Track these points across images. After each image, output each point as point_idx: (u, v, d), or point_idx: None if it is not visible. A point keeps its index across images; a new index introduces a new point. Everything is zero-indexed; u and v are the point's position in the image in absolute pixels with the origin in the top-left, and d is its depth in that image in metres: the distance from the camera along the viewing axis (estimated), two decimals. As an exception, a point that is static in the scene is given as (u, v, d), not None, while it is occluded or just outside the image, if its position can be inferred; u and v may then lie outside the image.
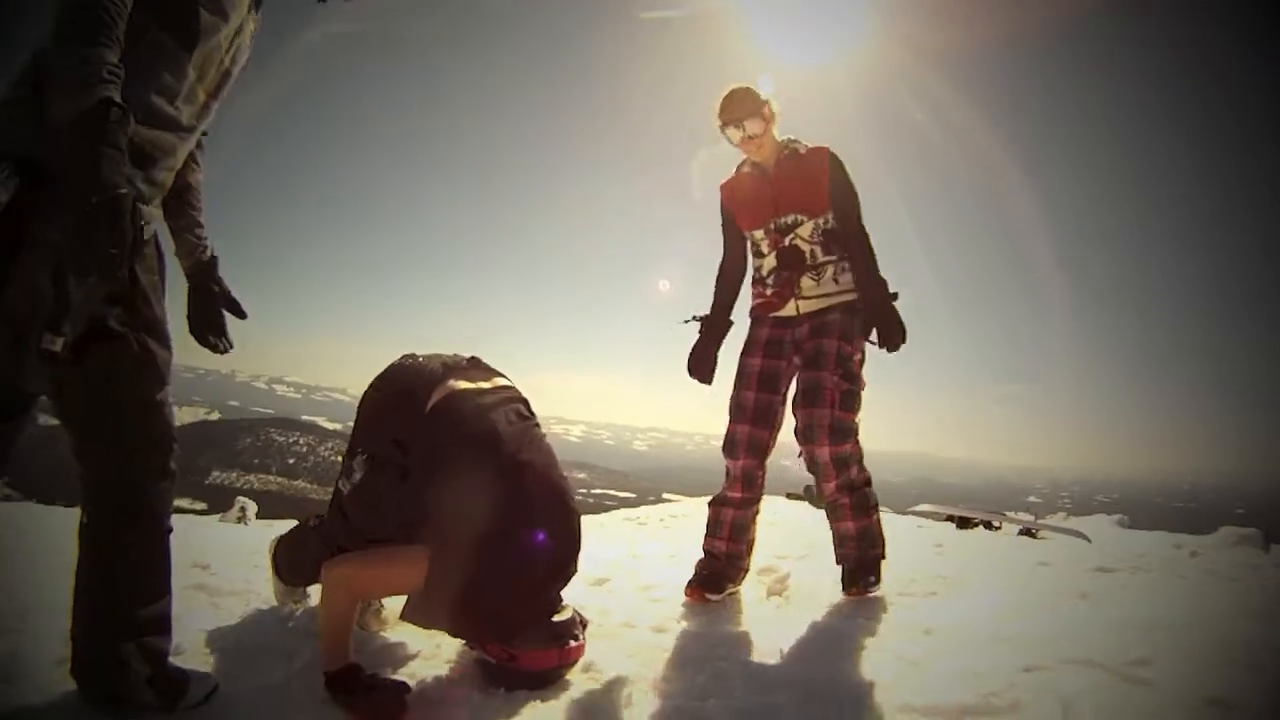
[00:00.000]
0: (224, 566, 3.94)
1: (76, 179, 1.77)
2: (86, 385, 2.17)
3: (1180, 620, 3.09)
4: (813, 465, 3.82)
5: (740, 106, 3.88)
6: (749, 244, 4.12)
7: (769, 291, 3.99)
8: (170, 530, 2.44)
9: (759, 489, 4.05)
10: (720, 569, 3.93)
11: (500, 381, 3.08)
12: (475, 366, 3.10)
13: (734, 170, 4.17)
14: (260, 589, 3.65)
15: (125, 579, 2.33)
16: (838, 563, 3.98)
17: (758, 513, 4.13)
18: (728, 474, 4.00)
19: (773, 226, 3.95)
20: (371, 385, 3.06)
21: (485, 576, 2.57)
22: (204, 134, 2.47)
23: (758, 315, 4.09)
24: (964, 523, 7.88)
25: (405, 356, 3.11)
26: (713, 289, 4.24)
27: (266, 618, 3.33)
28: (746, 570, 4.08)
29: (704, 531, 4.11)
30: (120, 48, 1.91)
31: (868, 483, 4.01)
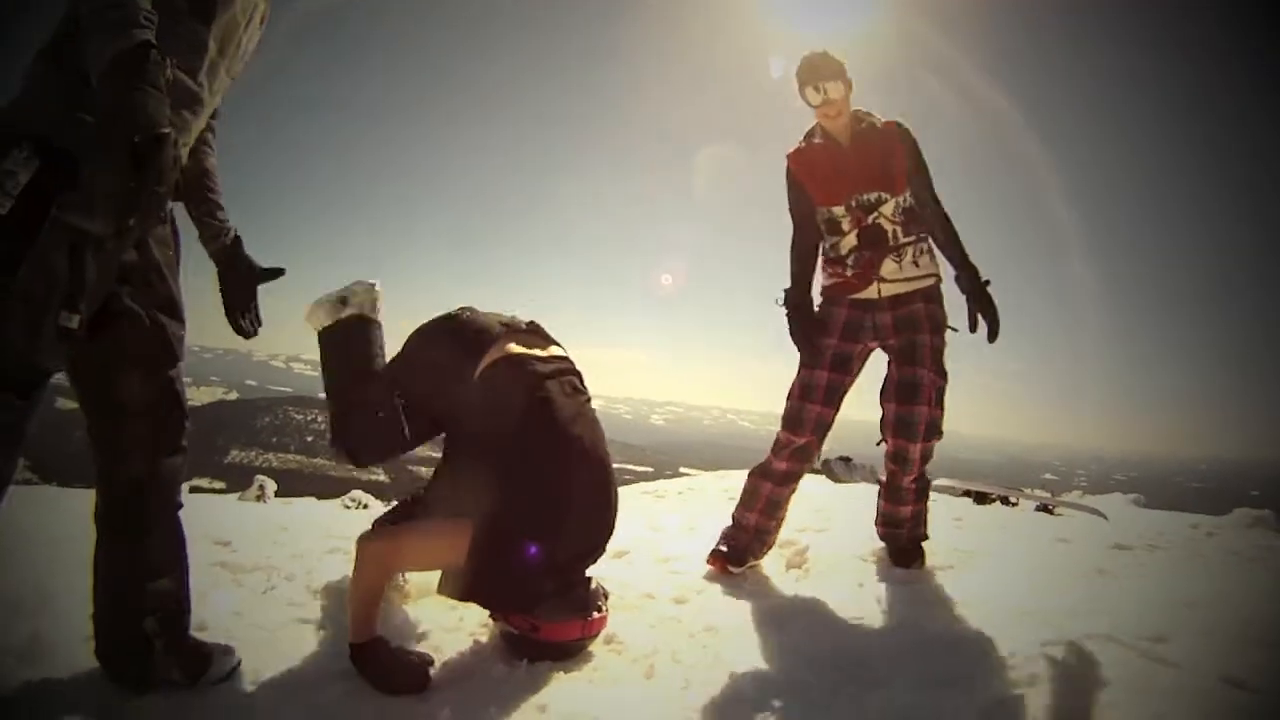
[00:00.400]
0: (245, 544, 3.96)
1: (119, 119, 1.79)
2: (100, 362, 2.20)
3: (1199, 598, 3.09)
4: (900, 459, 3.81)
5: (824, 66, 3.70)
6: (820, 219, 3.89)
7: (848, 272, 3.83)
8: (180, 506, 2.47)
9: (806, 467, 4.01)
10: (745, 542, 3.90)
11: (556, 350, 3.08)
12: (533, 332, 3.09)
13: (802, 140, 3.95)
14: (281, 565, 3.68)
15: (140, 554, 2.36)
16: (884, 539, 4.03)
17: (794, 490, 4.06)
18: (779, 446, 3.91)
19: (854, 204, 3.77)
20: (423, 329, 3.07)
21: (522, 548, 2.59)
22: (214, 116, 2.48)
23: (833, 295, 3.93)
24: (981, 498, 7.87)
25: (463, 309, 3.09)
26: (789, 268, 3.98)
27: (288, 593, 3.35)
28: (771, 546, 4.04)
29: (737, 500, 4.07)
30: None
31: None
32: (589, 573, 2.88)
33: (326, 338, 3.10)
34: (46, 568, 3.20)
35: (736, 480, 8.09)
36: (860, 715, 2.28)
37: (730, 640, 2.84)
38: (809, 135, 3.92)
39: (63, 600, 2.80)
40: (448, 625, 2.99)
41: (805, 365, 3.87)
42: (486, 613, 2.91)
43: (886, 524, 4.01)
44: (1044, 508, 7.48)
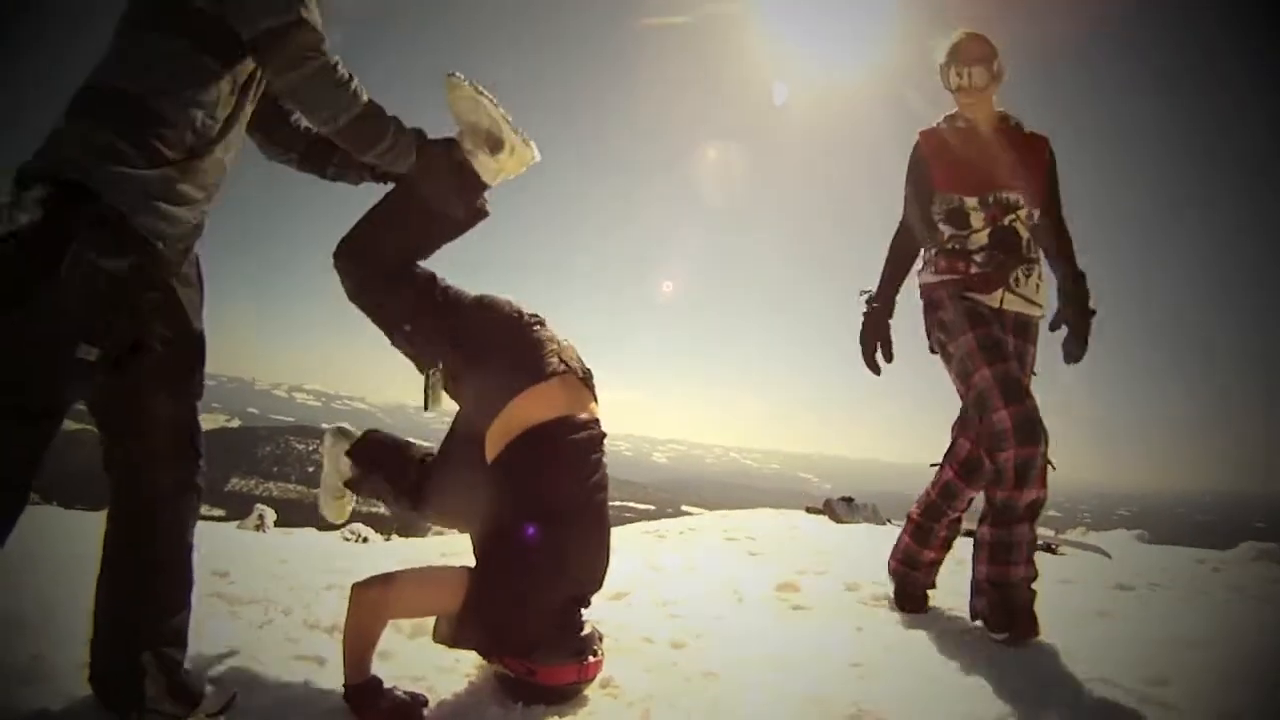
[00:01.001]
0: (243, 575, 3.96)
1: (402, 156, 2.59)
2: (122, 396, 2.23)
3: (1201, 638, 3.10)
4: (1006, 509, 3.35)
5: (971, 49, 3.50)
6: (945, 210, 3.58)
7: (974, 269, 3.47)
8: (193, 547, 2.49)
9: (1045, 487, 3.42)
10: (921, 585, 3.82)
11: (593, 409, 2.98)
12: (584, 383, 2.99)
13: (940, 121, 3.70)
14: (279, 599, 3.68)
15: (147, 591, 2.37)
16: (977, 608, 3.45)
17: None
18: (1024, 465, 3.26)
19: (991, 199, 3.47)
20: (493, 316, 2.99)
21: (517, 596, 2.60)
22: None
23: (950, 290, 3.51)
24: None
25: (534, 321, 3.03)
26: (884, 263, 3.77)
27: (285, 628, 3.34)
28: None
29: (910, 538, 3.89)
30: None
31: None
32: (585, 616, 2.86)
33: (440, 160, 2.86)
34: (50, 589, 3.21)
35: (738, 520, 8.08)
36: None
37: (729, 685, 2.81)
38: (949, 119, 3.66)
39: (65, 623, 2.80)
40: (443, 666, 2.96)
41: (983, 362, 3.33)
42: (481, 657, 2.89)
43: (993, 584, 3.36)
44: (1047, 547, 7.47)
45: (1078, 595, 4.28)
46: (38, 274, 1.95)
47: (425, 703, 2.57)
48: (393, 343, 3.06)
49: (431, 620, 2.90)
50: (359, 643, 2.56)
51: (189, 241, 2.33)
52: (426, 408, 2.95)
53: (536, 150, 2.93)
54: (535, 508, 2.67)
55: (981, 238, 3.46)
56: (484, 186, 2.94)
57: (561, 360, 2.90)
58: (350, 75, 2.38)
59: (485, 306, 3.00)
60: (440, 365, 2.95)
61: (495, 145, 2.84)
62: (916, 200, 3.66)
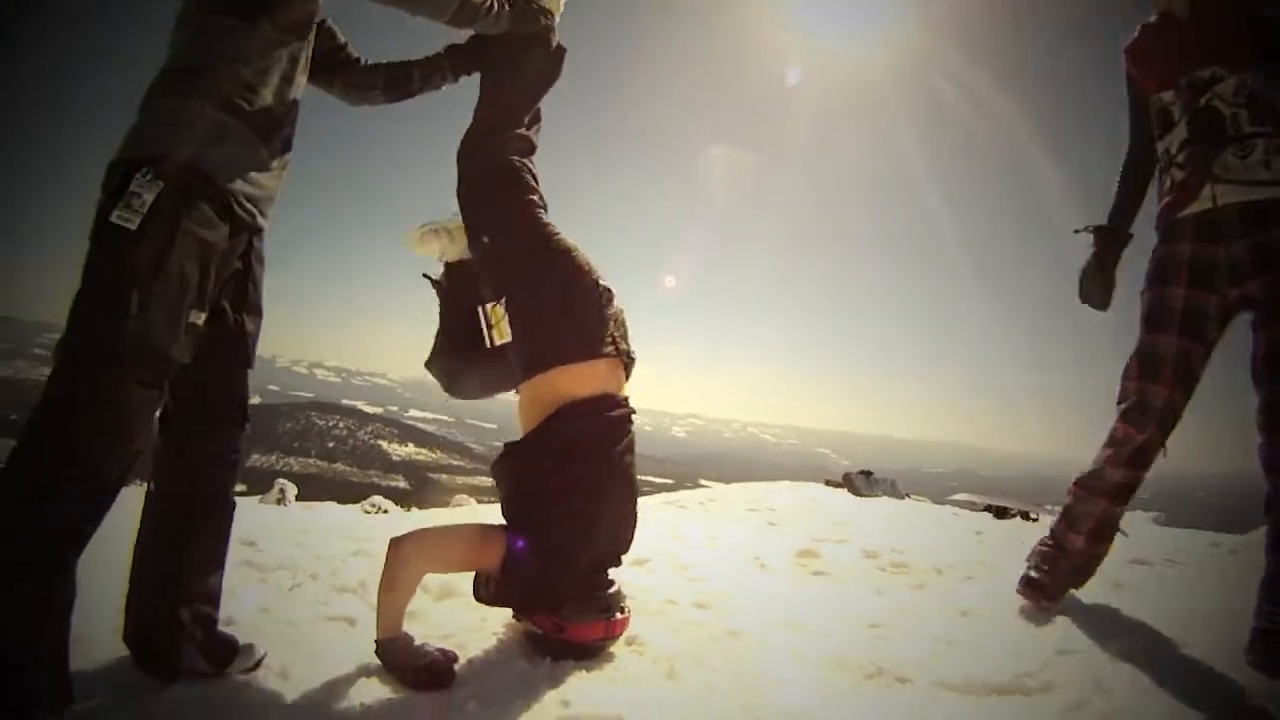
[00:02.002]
0: (269, 543, 4.02)
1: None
2: (192, 359, 2.29)
3: (1216, 610, 3.08)
4: (1090, 476, 3.13)
5: None
6: (1154, 116, 3.16)
7: (1179, 176, 2.99)
8: (234, 506, 2.56)
9: (1144, 476, 3.11)
10: (1066, 571, 3.24)
11: (624, 388, 3.02)
12: (625, 366, 3.02)
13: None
14: (305, 565, 3.75)
15: (187, 549, 2.43)
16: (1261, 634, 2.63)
17: (1125, 508, 3.23)
18: (1116, 444, 3.08)
19: (1185, 83, 3.00)
20: (564, 274, 2.96)
21: (553, 555, 2.64)
22: None
23: (1169, 220, 3.05)
24: (1001, 512, 7.88)
25: (602, 289, 3.01)
26: (1114, 189, 3.38)
27: (313, 591, 3.41)
28: (1090, 576, 3.29)
29: (1060, 519, 3.30)
30: None
31: None
32: (612, 576, 2.91)
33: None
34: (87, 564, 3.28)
35: (759, 493, 8.14)
36: (880, 716, 2.30)
37: (751, 644, 2.86)
38: (1149, 19, 3.21)
39: (91, 587, 2.87)
40: (471, 625, 3.02)
41: (1149, 328, 3.01)
42: (509, 612, 2.95)
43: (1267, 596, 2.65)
44: None
45: None
46: (161, 251, 2.11)
47: (455, 659, 2.61)
48: (472, 254, 3.15)
49: (457, 581, 2.97)
50: (394, 596, 2.60)
51: (271, 209, 2.48)
52: (492, 343, 2.98)
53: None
54: (571, 476, 2.71)
55: (1181, 132, 3.01)
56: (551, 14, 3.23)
57: (614, 342, 2.94)
58: None
59: (570, 261, 2.98)
60: (500, 301, 2.96)
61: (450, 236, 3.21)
62: (1133, 121, 3.29)
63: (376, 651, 2.58)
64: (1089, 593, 3.49)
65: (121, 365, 2.05)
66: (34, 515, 1.97)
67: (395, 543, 2.64)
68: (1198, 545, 5.65)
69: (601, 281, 3.00)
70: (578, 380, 2.80)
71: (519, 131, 3.20)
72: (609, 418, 2.81)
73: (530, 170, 3.15)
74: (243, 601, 2.95)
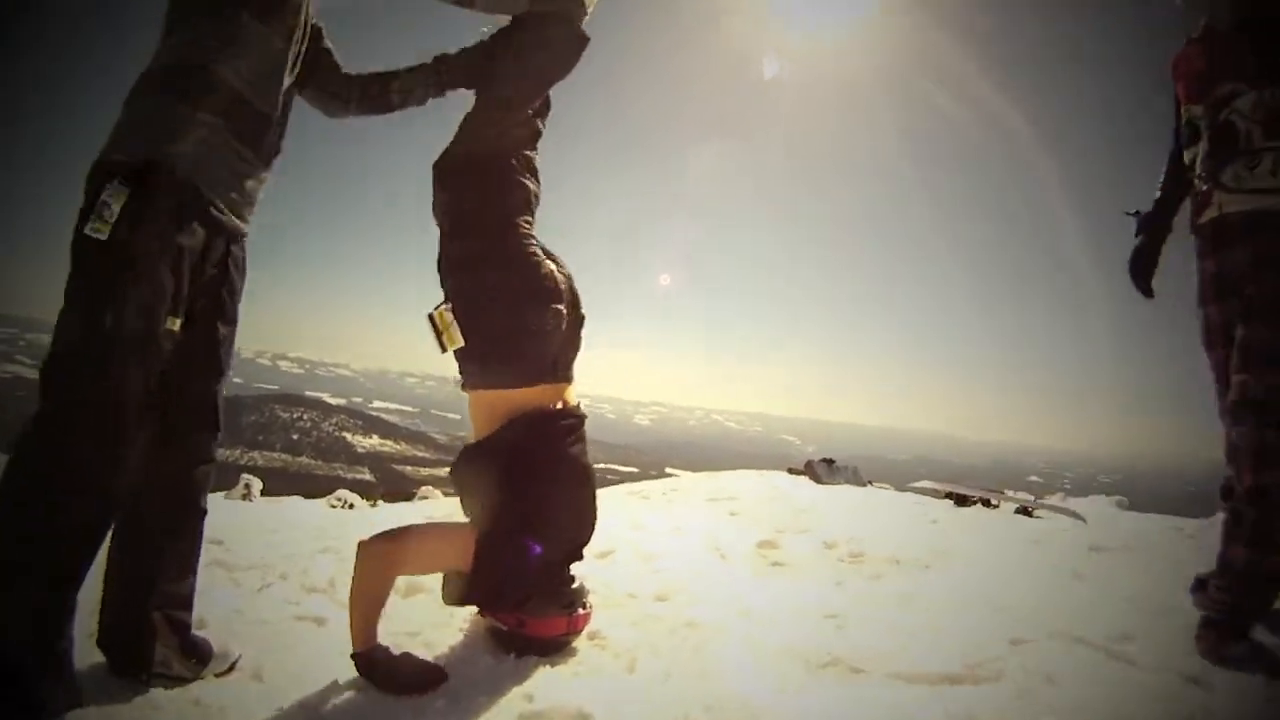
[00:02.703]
0: (238, 543, 4.05)
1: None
2: (167, 366, 2.32)
3: (1168, 599, 3.19)
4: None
5: None
6: (1187, 128, 3.22)
7: (1199, 186, 3.10)
8: (205, 512, 2.60)
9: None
10: (1238, 595, 2.83)
11: (574, 398, 3.04)
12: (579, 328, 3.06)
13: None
14: (275, 564, 3.79)
15: (160, 555, 2.48)
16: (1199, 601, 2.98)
17: None
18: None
19: (1210, 98, 3.06)
20: (535, 281, 2.87)
21: (513, 551, 2.68)
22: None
23: (1193, 228, 3.17)
24: (961, 500, 7.97)
25: (577, 317, 3.04)
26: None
27: (284, 591, 3.46)
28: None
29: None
30: None
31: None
32: (574, 572, 2.97)
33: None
34: None
35: (722, 482, 8.18)
36: (834, 705, 2.37)
37: (710, 635, 2.93)
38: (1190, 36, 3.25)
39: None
40: (438, 621, 3.08)
41: (1205, 348, 3.11)
42: (474, 609, 3.01)
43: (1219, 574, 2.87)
44: (1023, 510, 7.59)
45: (1052, 556, 4.42)
46: (131, 260, 2.15)
47: (443, 676, 2.61)
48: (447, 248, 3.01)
49: (423, 578, 3.02)
50: (367, 601, 2.61)
51: (251, 212, 2.53)
52: (443, 349, 2.89)
53: None
54: (526, 478, 2.74)
55: (1205, 145, 3.07)
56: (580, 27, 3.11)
57: (569, 364, 3.00)
58: None
59: (535, 277, 2.88)
60: (449, 305, 2.88)
61: None
62: (1174, 131, 3.36)
63: (355, 665, 2.57)
64: (1047, 582, 3.63)
65: (106, 374, 2.10)
66: (39, 523, 2.05)
67: (364, 545, 2.66)
68: (1158, 529, 5.75)
69: (564, 299, 2.95)
70: (530, 396, 2.83)
71: (522, 118, 3.07)
72: (561, 425, 2.86)
73: (526, 165, 3.05)
74: (214, 602, 2.98)
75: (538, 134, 3.13)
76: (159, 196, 2.19)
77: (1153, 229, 3.45)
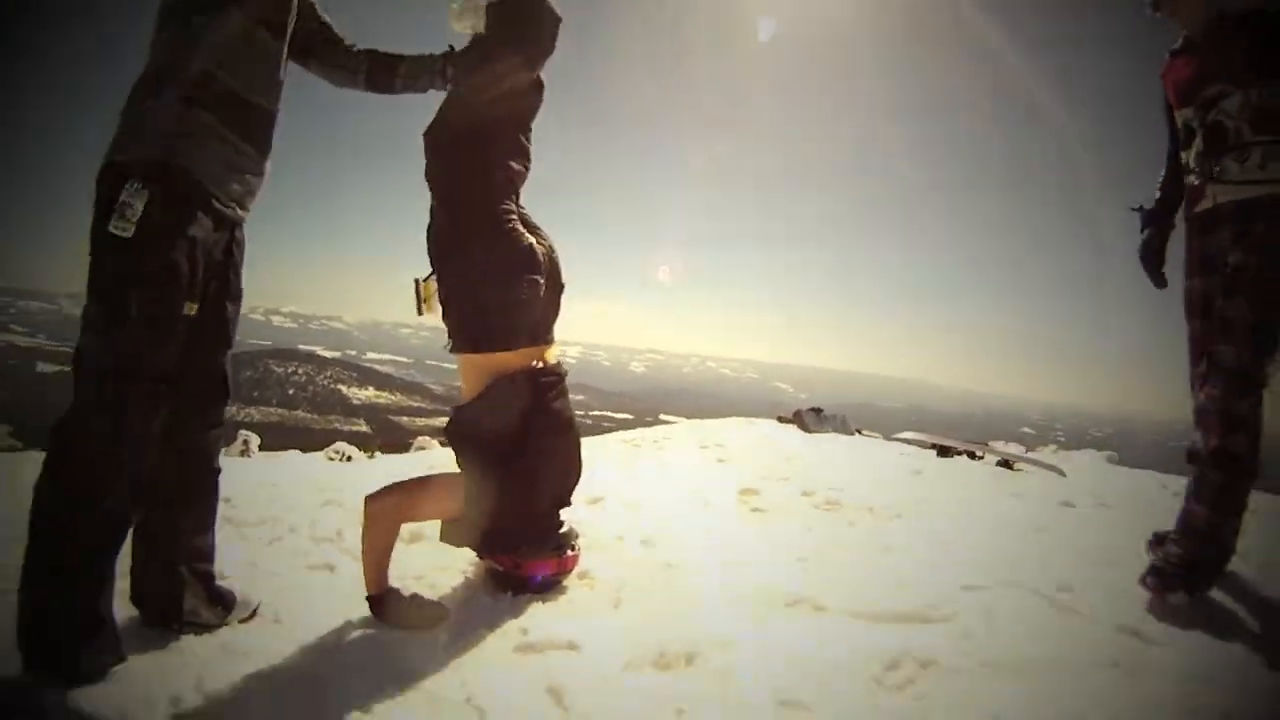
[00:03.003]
0: (243, 500, 4.26)
1: None
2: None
3: (1122, 554, 3.36)
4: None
5: None
6: (1182, 131, 3.37)
7: (1193, 181, 3.26)
8: (219, 471, 2.82)
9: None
10: (1194, 553, 3.02)
11: (558, 354, 3.27)
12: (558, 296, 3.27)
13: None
14: (282, 517, 4.04)
15: (182, 513, 2.71)
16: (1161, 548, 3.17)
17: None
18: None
19: (1198, 101, 3.21)
20: (508, 255, 3.02)
21: (506, 502, 2.90)
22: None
23: (1188, 219, 3.34)
24: (945, 451, 8.08)
25: (556, 285, 3.20)
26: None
27: (293, 544, 3.71)
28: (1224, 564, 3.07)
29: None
30: None
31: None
32: (564, 517, 3.20)
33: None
34: None
35: (711, 429, 8.35)
36: (796, 638, 2.58)
37: (688, 576, 3.17)
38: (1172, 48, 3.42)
39: None
40: (440, 565, 3.32)
41: (1186, 316, 3.27)
42: (473, 553, 3.24)
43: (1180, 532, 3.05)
44: (1005, 463, 7.69)
45: (1021, 509, 4.60)
46: (157, 255, 2.33)
47: (445, 613, 2.86)
48: (435, 223, 3.13)
49: (424, 525, 3.26)
50: (378, 549, 2.86)
51: (253, 200, 2.70)
52: (420, 313, 3.11)
53: None
54: (514, 433, 2.96)
55: (1198, 144, 3.23)
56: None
57: (549, 328, 3.19)
58: None
59: (516, 248, 3.03)
60: (432, 276, 3.10)
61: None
62: (1169, 135, 3.51)
63: (370, 607, 2.83)
64: (1010, 534, 3.82)
65: (139, 368, 2.31)
66: (78, 506, 2.28)
67: (370, 500, 2.89)
68: (1143, 485, 5.85)
69: (556, 272, 3.18)
70: (512, 359, 3.01)
71: (511, 94, 3.18)
72: (543, 383, 3.04)
73: (514, 142, 3.18)
74: (228, 556, 3.13)
75: (529, 111, 3.25)
76: (174, 194, 2.36)
77: (1158, 225, 3.59)
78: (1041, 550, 3.55)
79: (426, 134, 3.12)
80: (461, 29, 3.21)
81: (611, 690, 2.26)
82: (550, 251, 3.19)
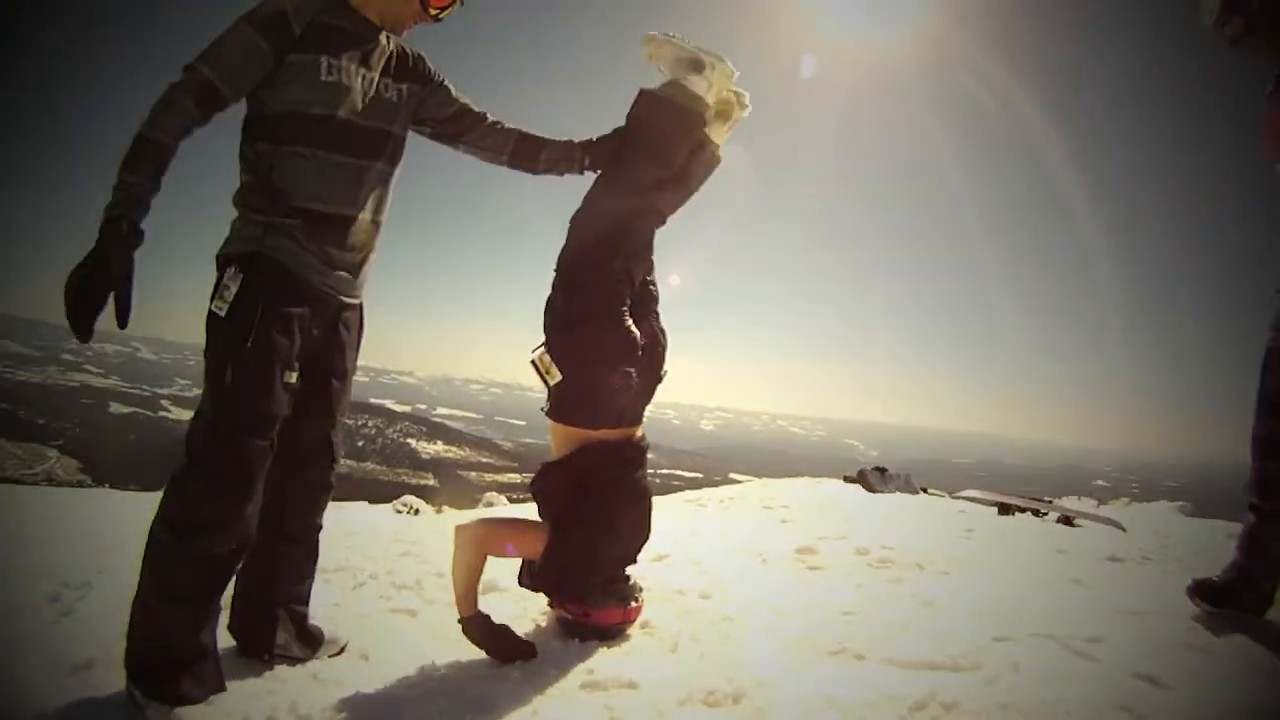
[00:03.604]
0: (324, 547, 4.53)
1: None
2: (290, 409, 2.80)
3: (1152, 607, 3.45)
4: None
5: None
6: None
7: None
8: (320, 527, 3.15)
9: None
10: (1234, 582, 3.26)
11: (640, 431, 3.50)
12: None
13: None
14: (362, 565, 4.36)
15: (285, 558, 3.05)
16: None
17: None
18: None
19: None
20: (602, 333, 3.23)
21: (579, 554, 3.17)
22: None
23: None
24: (1006, 509, 8.05)
25: (659, 374, 3.46)
26: None
27: (375, 589, 4.01)
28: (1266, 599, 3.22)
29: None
30: None
31: None
32: (630, 572, 3.45)
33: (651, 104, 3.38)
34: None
35: (778, 489, 8.47)
36: (833, 683, 2.77)
37: (741, 626, 3.39)
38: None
39: None
40: (513, 614, 3.56)
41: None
42: (545, 604, 3.52)
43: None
44: (1065, 520, 7.67)
45: (1064, 564, 4.69)
46: (249, 328, 2.60)
47: (534, 649, 3.13)
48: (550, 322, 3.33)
49: (497, 578, 3.61)
50: (466, 574, 3.12)
51: (360, 280, 2.96)
52: (547, 385, 3.27)
53: (731, 64, 3.36)
54: (595, 495, 3.21)
55: None
56: (700, 116, 3.37)
57: (640, 412, 3.43)
58: None
59: (625, 348, 3.23)
60: (543, 348, 3.30)
61: (697, 66, 3.37)
62: None
63: (462, 629, 3.11)
64: (1047, 588, 3.96)
65: (237, 428, 2.62)
66: (186, 557, 2.58)
67: (460, 529, 3.17)
68: (1207, 536, 5.99)
69: (637, 363, 3.29)
70: (602, 435, 3.28)
71: (650, 200, 3.41)
72: (627, 456, 3.31)
73: (642, 242, 3.43)
74: (315, 598, 3.31)
75: (667, 203, 3.48)
76: (263, 278, 2.65)
77: None
78: (1075, 603, 3.65)
79: (573, 218, 3.39)
80: (651, 64, 3.48)
81: (666, 723, 2.47)
82: (658, 339, 3.41)
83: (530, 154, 3.36)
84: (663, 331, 3.44)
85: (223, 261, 2.69)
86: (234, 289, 2.62)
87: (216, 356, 2.63)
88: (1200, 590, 3.30)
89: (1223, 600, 3.21)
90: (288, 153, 2.71)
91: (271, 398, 2.66)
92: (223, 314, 2.61)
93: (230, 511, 2.61)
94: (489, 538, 3.20)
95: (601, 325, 3.22)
